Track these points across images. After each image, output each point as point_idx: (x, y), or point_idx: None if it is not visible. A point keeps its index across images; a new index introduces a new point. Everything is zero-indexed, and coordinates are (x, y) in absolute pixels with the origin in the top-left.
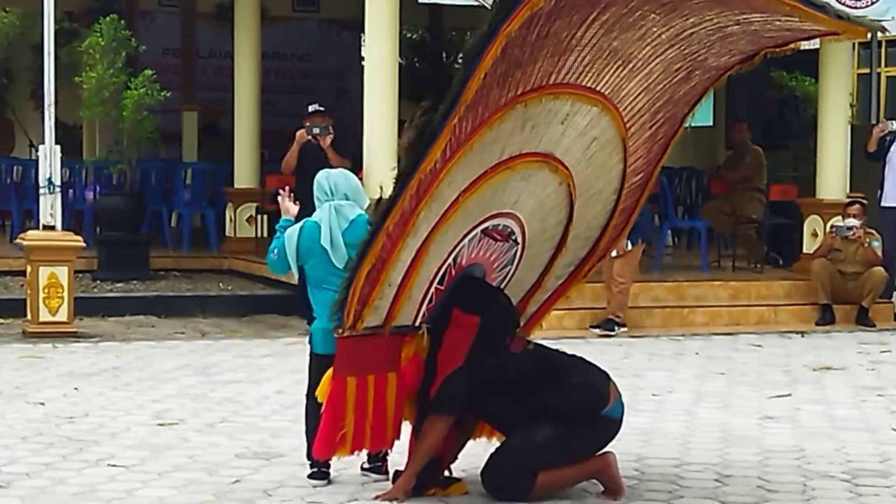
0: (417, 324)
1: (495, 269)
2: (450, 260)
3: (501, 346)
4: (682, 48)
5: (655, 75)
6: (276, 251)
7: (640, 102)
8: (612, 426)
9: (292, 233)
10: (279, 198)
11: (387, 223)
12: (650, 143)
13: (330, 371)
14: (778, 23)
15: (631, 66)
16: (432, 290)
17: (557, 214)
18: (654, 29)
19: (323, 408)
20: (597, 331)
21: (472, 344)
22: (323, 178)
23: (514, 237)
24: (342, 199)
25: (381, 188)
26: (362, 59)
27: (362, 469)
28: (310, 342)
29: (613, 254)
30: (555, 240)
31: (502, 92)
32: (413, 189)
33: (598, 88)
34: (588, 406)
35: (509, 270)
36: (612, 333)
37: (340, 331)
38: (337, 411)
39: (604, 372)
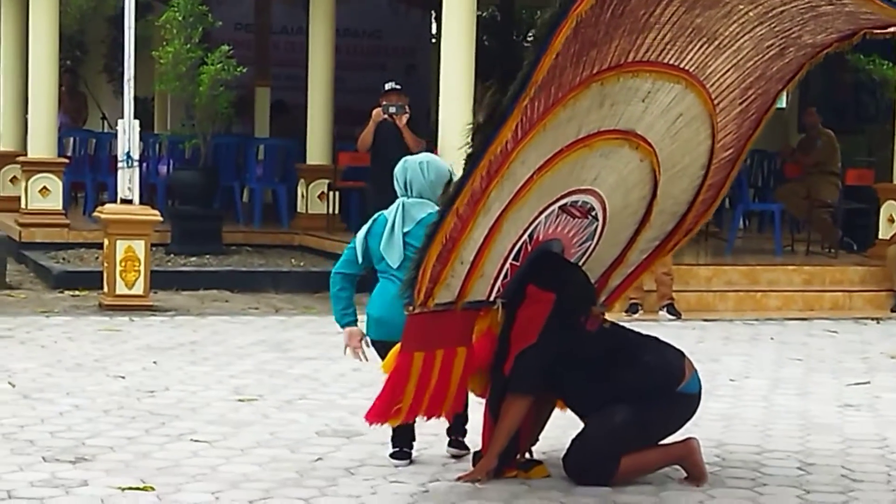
0: (492, 299)
1: (574, 245)
2: (525, 236)
3: (576, 323)
4: (773, 25)
5: (745, 52)
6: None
7: (730, 79)
8: (690, 401)
9: (364, 229)
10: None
11: (456, 204)
12: (741, 119)
13: (398, 346)
14: (875, 6)
15: (717, 42)
16: (507, 266)
17: (641, 190)
18: (741, 6)
19: (385, 378)
20: (661, 313)
21: (547, 321)
22: (400, 171)
23: (594, 213)
24: (416, 196)
25: (450, 170)
26: (432, 36)
27: (447, 447)
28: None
29: None
30: (638, 215)
31: (576, 71)
32: (483, 170)
33: (681, 65)
34: (664, 383)
35: (589, 246)
36: (677, 317)
37: (411, 308)
38: (397, 385)
39: (678, 350)
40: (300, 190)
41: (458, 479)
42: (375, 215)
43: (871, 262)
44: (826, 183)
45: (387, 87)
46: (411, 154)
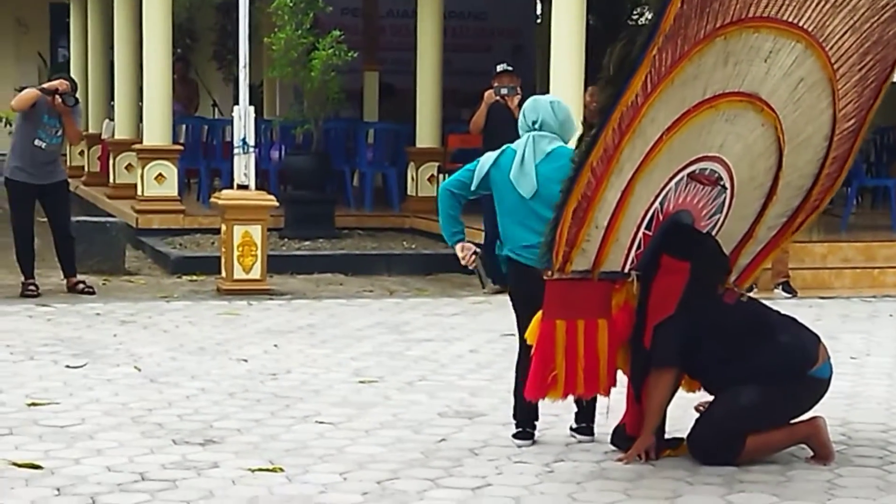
0: (626, 270)
1: (704, 217)
2: (656, 204)
3: (714, 295)
4: None
5: (861, 12)
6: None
7: (847, 42)
8: (819, 387)
9: (488, 157)
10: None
11: (591, 158)
12: (860, 87)
13: (539, 314)
14: None
15: (833, 1)
16: (640, 235)
17: (766, 161)
18: None
19: (533, 350)
20: (776, 291)
21: (684, 292)
22: (530, 109)
23: (721, 182)
24: (547, 132)
25: (580, 122)
26: (537, 17)
27: (570, 430)
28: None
29: None
30: (765, 188)
31: (701, 23)
32: (615, 123)
33: (800, 24)
34: (796, 365)
35: (718, 219)
36: (793, 294)
37: (549, 273)
38: (546, 352)
39: (814, 333)
40: (410, 173)
41: (619, 460)
42: (503, 147)
43: None
44: None
45: (499, 68)
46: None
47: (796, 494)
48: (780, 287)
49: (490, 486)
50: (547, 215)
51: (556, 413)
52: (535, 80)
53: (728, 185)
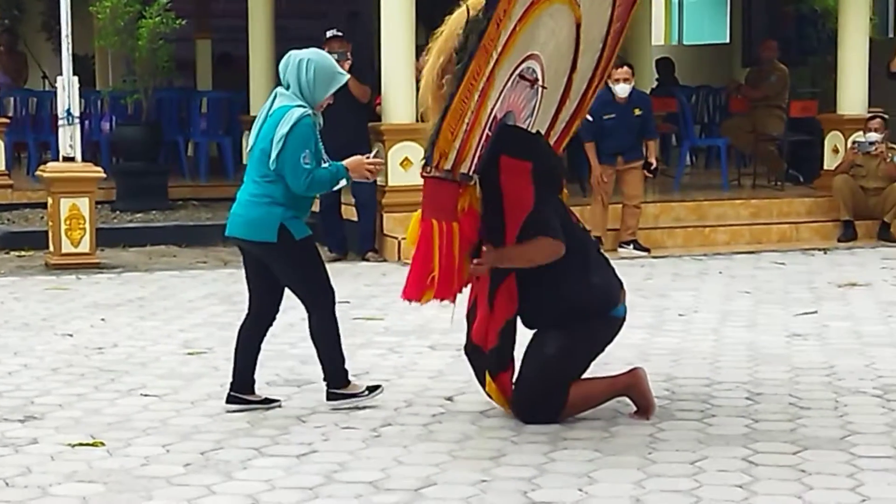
0: (471, 172)
1: (521, 120)
2: (498, 102)
3: (559, 202)
4: None
5: None
6: None
7: None
8: (615, 325)
9: None
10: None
11: (483, 41)
12: None
13: (418, 213)
14: None
15: None
16: (484, 135)
17: (565, 62)
18: None
19: (414, 249)
20: (625, 250)
21: (535, 188)
22: (282, 65)
23: (538, 83)
24: (291, 92)
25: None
26: None
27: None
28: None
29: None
30: (558, 92)
31: None
32: (502, 8)
33: None
34: (600, 306)
35: (530, 122)
36: (645, 253)
37: (429, 169)
38: (427, 253)
39: (620, 279)
40: (245, 142)
41: (477, 264)
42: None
43: (818, 193)
44: (771, 116)
45: (328, 34)
46: (356, 104)
47: (618, 449)
48: (632, 245)
49: (316, 453)
50: (252, 174)
51: (387, 378)
52: (374, 46)
53: (540, 84)
